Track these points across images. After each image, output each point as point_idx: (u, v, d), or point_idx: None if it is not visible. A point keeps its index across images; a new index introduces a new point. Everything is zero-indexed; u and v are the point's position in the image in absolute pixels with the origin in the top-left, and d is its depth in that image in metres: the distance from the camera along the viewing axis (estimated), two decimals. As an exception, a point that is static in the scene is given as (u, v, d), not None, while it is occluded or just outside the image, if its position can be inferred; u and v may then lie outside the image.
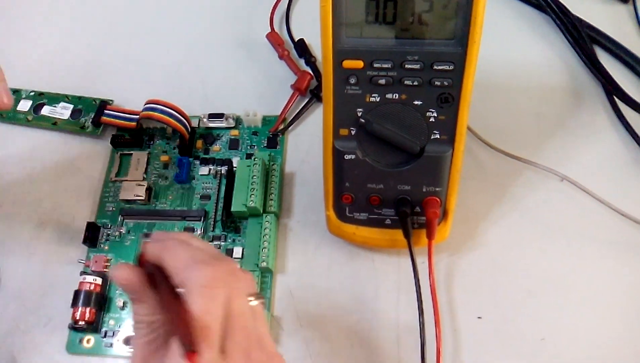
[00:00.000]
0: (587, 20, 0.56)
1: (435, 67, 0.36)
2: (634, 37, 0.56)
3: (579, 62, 0.55)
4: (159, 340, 0.29)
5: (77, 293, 0.44)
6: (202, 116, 0.52)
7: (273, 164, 0.48)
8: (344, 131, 0.40)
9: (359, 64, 0.37)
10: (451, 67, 0.36)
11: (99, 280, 0.44)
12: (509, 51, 0.56)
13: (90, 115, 0.52)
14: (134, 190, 0.48)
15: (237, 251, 0.46)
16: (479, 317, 0.43)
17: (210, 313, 0.27)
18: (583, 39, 0.55)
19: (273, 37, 0.57)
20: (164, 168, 0.50)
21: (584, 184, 0.48)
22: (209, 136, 0.51)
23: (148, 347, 0.29)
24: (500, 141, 0.50)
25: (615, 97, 0.52)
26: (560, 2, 0.56)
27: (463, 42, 0.35)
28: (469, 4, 0.34)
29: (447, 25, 0.35)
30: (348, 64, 0.37)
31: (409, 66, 0.37)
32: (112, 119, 0.51)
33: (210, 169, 0.50)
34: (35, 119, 0.53)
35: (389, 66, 0.37)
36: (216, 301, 0.27)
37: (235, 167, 0.48)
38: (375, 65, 0.37)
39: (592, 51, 0.54)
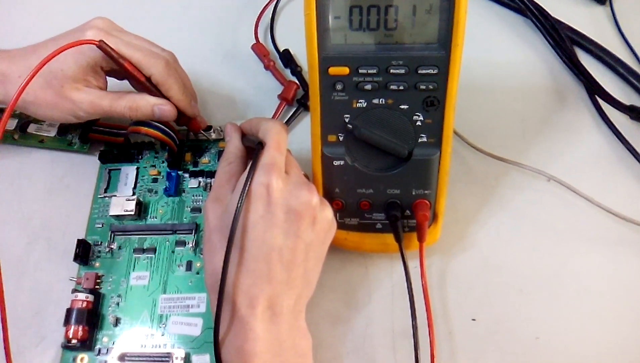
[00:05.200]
0: (567, 22, 0.57)
1: (420, 71, 0.37)
2: (613, 37, 0.58)
3: (561, 63, 0.56)
4: (234, 168, 0.41)
5: (69, 311, 0.43)
6: (190, 129, 0.52)
7: (262, 174, 0.48)
8: (332, 138, 0.40)
9: (345, 70, 0.37)
10: (435, 71, 0.37)
11: (91, 297, 0.44)
12: (491, 54, 0.56)
13: (78, 131, 0.52)
14: (123, 205, 0.48)
15: (230, 262, 0.46)
16: (473, 319, 0.43)
17: (281, 146, 0.39)
18: (563, 40, 0.56)
19: (258, 48, 0.57)
20: (153, 182, 0.50)
21: (570, 183, 0.48)
22: (198, 149, 0.51)
23: (227, 171, 0.41)
24: (486, 144, 0.50)
25: (597, 96, 0.53)
26: (539, 5, 0.58)
27: (446, 46, 0.36)
28: (451, 7, 0.35)
29: (430, 30, 0.36)
30: (334, 70, 0.37)
31: (394, 71, 0.37)
32: (100, 135, 0.51)
33: (200, 182, 0.50)
34: (21, 138, 0.53)
35: (375, 71, 0.37)
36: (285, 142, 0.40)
37: (225, 178, 0.48)
38: (361, 71, 0.37)
39: (573, 52, 0.55)
